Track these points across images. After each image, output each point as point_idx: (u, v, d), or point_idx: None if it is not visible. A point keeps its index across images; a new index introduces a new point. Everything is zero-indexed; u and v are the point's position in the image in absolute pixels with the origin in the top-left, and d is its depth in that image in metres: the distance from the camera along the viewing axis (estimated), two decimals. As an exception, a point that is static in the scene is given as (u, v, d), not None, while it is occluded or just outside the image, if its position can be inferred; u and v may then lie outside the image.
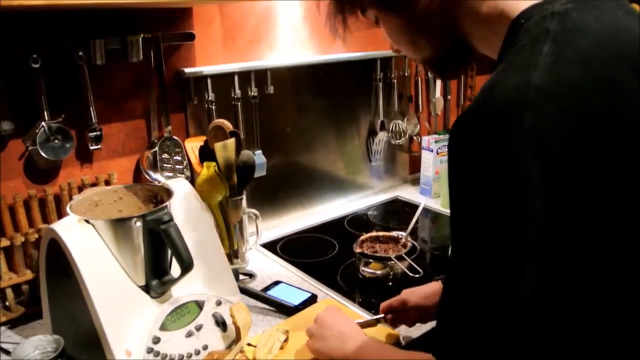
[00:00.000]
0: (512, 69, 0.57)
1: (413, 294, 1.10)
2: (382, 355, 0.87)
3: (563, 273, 0.55)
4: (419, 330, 1.15)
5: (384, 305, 1.12)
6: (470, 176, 0.57)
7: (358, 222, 1.79)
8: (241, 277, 1.39)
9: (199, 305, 1.08)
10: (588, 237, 0.54)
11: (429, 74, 2.06)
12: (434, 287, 1.10)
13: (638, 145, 0.54)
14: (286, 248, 1.60)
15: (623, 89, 0.55)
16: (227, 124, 1.38)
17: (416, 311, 1.09)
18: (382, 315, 1.12)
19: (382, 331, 1.12)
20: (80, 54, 1.26)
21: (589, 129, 0.53)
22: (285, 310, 1.24)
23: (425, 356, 0.71)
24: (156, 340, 1.00)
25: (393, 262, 1.35)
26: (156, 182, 1.42)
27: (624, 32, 0.58)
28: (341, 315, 1.01)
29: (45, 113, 1.24)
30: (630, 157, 0.53)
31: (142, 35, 1.35)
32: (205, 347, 1.06)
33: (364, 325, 1.07)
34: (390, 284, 1.35)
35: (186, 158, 1.48)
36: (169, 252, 1.06)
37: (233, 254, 1.43)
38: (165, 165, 1.45)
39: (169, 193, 1.11)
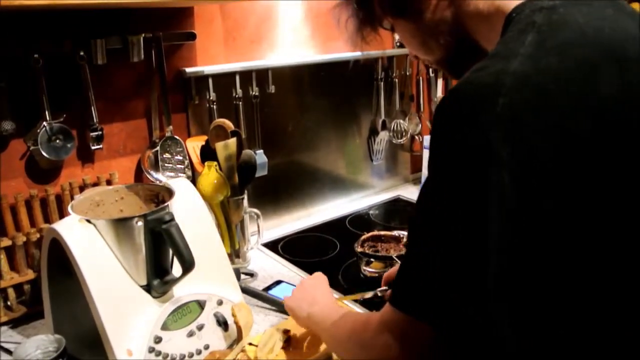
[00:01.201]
0: (495, 57, 0.60)
1: None
2: (333, 315, 0.88)
3: (530, 250, 0.56)
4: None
5: (386, 275, 1.12)
6: (445, 150, 0.59)
7: (359, 221, 1.79)
8: (242, 276, 1.39)
9: (200, 304, 1.08)
10: (557, 217, 0.55)
11: (431, 72, 2.06)
12: None
13: (614, 132, 0.55)
14: (287, 247, 1.60)
15: (603, 76, 0.56)
16: (229, 124, 1.39)
17: None
18: (384, 287, 1.11)
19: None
20: (82, 53, 1.26)
21: (562, 110, 0.54)
22: (287, 309, 1.24)
23: (368, 315, 0.75)
24: (157, 340, 1.00)
25: (395, 261, 1.35)
26: (157, 182, 1.42)
27: (608, 26, 0.60)
28: (322, 284, 1.05)
29: (47, 113, 1.24)
30: (605, 141, 0.55)
31: (143, 35, 1.35)
32: (206, 347, 1.06)
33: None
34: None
35: (187, 158, 1.48)
36: (170, 251, 1.06)
37: (234, 254, 1.43)
38: (166, 164, 1.45)
39: (170, 193, 1.11)
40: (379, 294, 1.11)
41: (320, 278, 1.08)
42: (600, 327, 0.58)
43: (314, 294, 1.01)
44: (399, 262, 1.33)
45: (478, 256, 0.56)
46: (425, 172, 1.96)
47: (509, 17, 0.65)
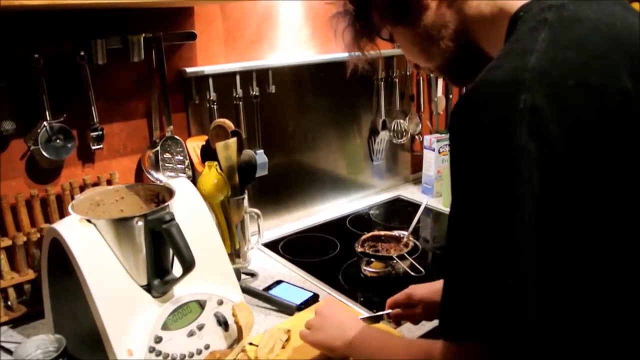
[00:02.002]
0: (510, 55, 0.60)
1: (419, 288, 1.09)
2: (383, 342, 0.87)
3: (562, 244, 0.56)
4: (421, 329, 1.14)
5: (390, 300, 1.11)
6: (470, 150, 0.59)
7: (360, 221, 1.79)
8: (243, 276, 1.39)
9: (201, 304, 1.08)
10: (585, 212, 0.55)
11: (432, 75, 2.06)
12: (441, 284, 1.10)
13: (635, 125, 0.56)
14: (288, 247, 1.60)
15: (621, 70, 0.57)
16: (229, 124, 1.39)
17: (422, 306, 1.08)
18: (388, 311, 1.10)
19: (383, 329, 1.11)
20: (82, 53, 1.26)
21: (582, 105, 0.55)
22: (287, 309, 1.24)
23: (429, 344, 0.72)
24: (158, 340, 1.00)
25: (395, 261, 1.35)
26: (158, 182, 1.42)
27: (619, 22, 0.61)
28: (340, 307, 1.02)
29: (47, 113, 1.24)
30: (627, 135, 0.55)
31: (143, 35, 1.35)
32: (207, 347, 1.06)
33: (366, 321, 1.07)
34: (392, 283, 1.35)
35: (188, 157, 1.48)
36: (171, 251, 1.06)
37: (235, 254, 1.43)
38: (166, 164, 1.45)
39: (170, 192, 1.11)
40: (386, 317, 1.10)
41: (333, 303, 1.05)
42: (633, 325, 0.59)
43: (338, 319, 0.97)
44: (399, 261, 1.33)
45: (511, 244, 0.56)
46: (425, 171, 1.97)
47: (515, 16, 0.65)
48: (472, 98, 0.60)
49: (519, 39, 0.61)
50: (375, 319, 1.10)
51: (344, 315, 0.98)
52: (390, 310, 1.10)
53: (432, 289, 1.07)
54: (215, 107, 1.52)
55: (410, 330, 1.14)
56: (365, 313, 1.22)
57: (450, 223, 0.63)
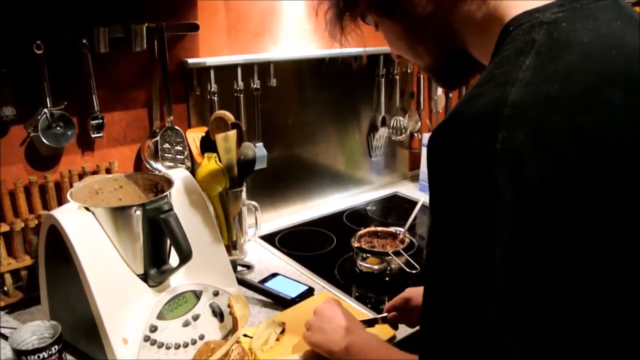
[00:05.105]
0: (490, 82, 0.55)
1: (417, 292, 1.08)
2: (380, 354, 0.87)
3: (530, 292, 0.52)
4: (416, 329, 1.15)
5: (388, 305, 1.10)
6: (445, 185, 0.56)
7: (357, 216, 1.79)
8: (239, 268, 1.39)
9: (197, 295, 1.09)
10: (561, 257, 0.51)
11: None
12: None
13: (618, 162, 0.51)
14: (284, 241, 1.61)
15: (607, 104, 0.52)
16: (229, 116, 1.39)
17: (419, 310, 1.07)
18: (385, 314, 1.11)
19: (378, 330, 1.12)
20: (84, 41, 1.26)
21: (566, 145, 0.50)
22: (282, 302, 1.25)
23: None
24: (153, 329, 1.00)
25: (390, 257, 1.35)
26: (157, 172, 1.42)
27: (617, 45, 0.55)
28: (341, 309, 1.02)
29: (48, 99, 1.24)
30: (609, 173, 0.51)
31: (146, 25, 1.35)
32: (201, 337, 1.07)
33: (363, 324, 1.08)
34: (387, 279, 1.36)
35: (187, 148, 1.48)
36: (168, 241, 1.07)
37: (232, 245, 1.44)
38: (166, 155, 1.45)
39: (169, 183, 1.11)
40: (381, 321, 1.10)
41: (334, 303, 1.04)
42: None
43: (338, 323, 0.97)
44: (395, 257, 1.34)
45: (482, 298, 0.53)
46: (423, 169, 1.98)
47: (505, 30, 0.60)
48: (448, 131, 0.56)
49: (502, 63, 0.56)
50: (371, 323, 1.10)
51: (344, 318, 0.98)
52: (386, 314, 1.10)
53: None
54: (216, 98, 1.52)
55: (407, 330, 1.15)
56: (360, 309, 1.23)
57: (428, 254, 0.61)
